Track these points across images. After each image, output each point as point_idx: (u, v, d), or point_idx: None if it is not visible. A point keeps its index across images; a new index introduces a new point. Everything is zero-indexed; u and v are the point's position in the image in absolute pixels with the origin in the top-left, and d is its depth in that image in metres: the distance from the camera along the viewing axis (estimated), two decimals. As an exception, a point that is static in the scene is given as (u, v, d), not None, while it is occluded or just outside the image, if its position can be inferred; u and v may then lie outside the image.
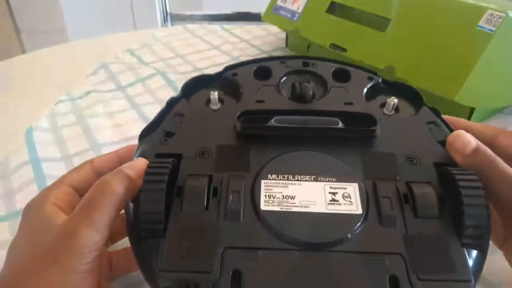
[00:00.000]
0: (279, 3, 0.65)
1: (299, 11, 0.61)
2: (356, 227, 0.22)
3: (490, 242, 0.26)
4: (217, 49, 0.70)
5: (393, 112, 0.30)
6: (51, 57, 0.70)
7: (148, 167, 0.24)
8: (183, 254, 0.21)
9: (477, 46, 0.41)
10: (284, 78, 0.33)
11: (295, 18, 0.61)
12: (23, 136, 0.45)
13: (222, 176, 0.24)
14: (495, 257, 0.27)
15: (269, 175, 0.25)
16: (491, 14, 0.41)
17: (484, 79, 0.42)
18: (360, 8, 0.53)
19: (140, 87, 0.57)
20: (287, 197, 0.23)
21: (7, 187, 0.38)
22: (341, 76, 0.33)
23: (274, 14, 0.65)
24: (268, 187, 0.24)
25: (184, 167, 0.25)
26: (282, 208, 0.23)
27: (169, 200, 0.23)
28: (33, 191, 0.37)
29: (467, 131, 0.26)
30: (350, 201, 0.23)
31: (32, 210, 0.24)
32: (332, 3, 0.57)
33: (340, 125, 0.28)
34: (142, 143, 0.28)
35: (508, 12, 0.40)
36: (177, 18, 1.79)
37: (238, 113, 0.28)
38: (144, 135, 0.28)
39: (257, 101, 0.30)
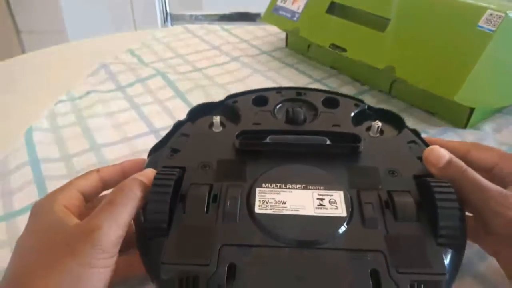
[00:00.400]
0: (279, 3, 0.65)
1: (299, 11, 0.61)
2: (341, 227, 0.25)
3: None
4: (217, 49, 0.70)
5: (378, 134, 0.34)
6: (51, 57, 0.70)
7: (157, 173, 0.27)
8: (184, 250, 0.24)
9: (477, 46, 0.41)
10: (280, 105, 0.37)
11: (295, 18, 0.61)
12: (23, 136, 0.45)
13: (221, 185, 0.27)
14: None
15: (263, 184, 0.28)
16: (491, 14, 0.41)
17: (484, 79, 0.42)
18: (360, 8, 0.53)
19: (140, 87, 0.57)
20: (279, 202, 0.26)
21: (6, 187, 0.38)
22: (330, 103, 0.37)
23: (274, 14, 0.65)
24: (262, 194, 0.27)
25: (187, 178, 0.28)
26: (274, 211, 0.26)
27: (173, 205, 0.26)
28: (32, 192, 0.37)
29: (443, 147, 0.28)
30: (336, 206, 0.26)
31: (42, 209, 0.25)
32: (332, 3, 0.57)
33: (328, 143, 0.31)
34: (151, 158, 0.31)
35: (507, 12, 0.40)
36: (177, 18, 1.79)
37: (237, 133, 0.32)
38: (153, 152, 0.32)
39: (255, 124, 0.34)
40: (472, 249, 0.29)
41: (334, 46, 0.54)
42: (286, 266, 0.23)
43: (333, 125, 0.34)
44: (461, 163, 0.27)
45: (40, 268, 0.22)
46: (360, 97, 0.54)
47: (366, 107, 0.37)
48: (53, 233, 0.23)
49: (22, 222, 0.29)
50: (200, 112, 0.36)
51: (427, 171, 0.29)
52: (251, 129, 0.33)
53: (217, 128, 0.34)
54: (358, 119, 0.35)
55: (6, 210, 0.35)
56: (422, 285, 0.22)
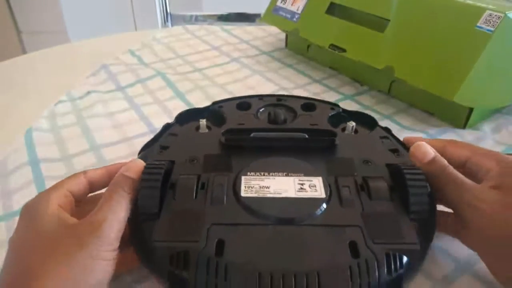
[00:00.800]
0: (279, 3, 0.65)
1: (299, 11, 0.61)
2: (320, 206, 0.27)
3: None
4: (217, 49, 0.70)
5: (352, 133, 0.37)
6: (52, 57, 0.70)
7: (147, 163, 0.28)
8: (175, 230, 0.25)
9: (475, 46, 0.41)
10: (262, 109, 0.40)
11: (294, 19, 0.61)
12: (23, 137, 0.45)
13: (209, 175, 0.30)
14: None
15: (248, 173, 0.30)
16: (490, 15, 0.41)
17: (483, 79, 0.42)
18: (359, 8, 0.54)
19: (140, 87, 0.57)
20: (263, 187, 0.29)
21: (5, 188, 0.38)
22: (308, 107, 0.41)
23: (274, 14, 0.65)
24: (248, 181, 0.29)
25: (176, 170, 0.30)
26: (259, 195, 0.28)
27: (164, 193, 0.28)
28: (31, 192, 0.37)
29: None
30: (316, 189, 0.29)
31: (36, 209, 0.25)
32: (332, 4, 0.57)
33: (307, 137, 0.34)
34: (141, 155, 0.33)
35: (506, 12, 0.40)
36: (177, 19, 1.79)
37: (223, 131, 0.34)
38: (143, 150, 0.34)
39: (239, 124, 0.37)
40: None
41: (333, 46, 0.54)
42: (271, 241, 0.25)
43: (311, 124, 0.37)
44: (444, 161, 0.29)
45: (47, 262, 0.22)
46: (359, 97, 0.54)
47: (341, 110, 0.40)
48: (53, 230, 0.24)
49: (21, 222, 0.29)
50: (187, 116, 0.39)
51: (399, 162, 0.31)
52: (236, 127, 0.36)
53: (204, 130, 0.37)
54: (334, 121, 0.38)
55: (5, 210, 0.36)
56: (397, 253, 0.24)
